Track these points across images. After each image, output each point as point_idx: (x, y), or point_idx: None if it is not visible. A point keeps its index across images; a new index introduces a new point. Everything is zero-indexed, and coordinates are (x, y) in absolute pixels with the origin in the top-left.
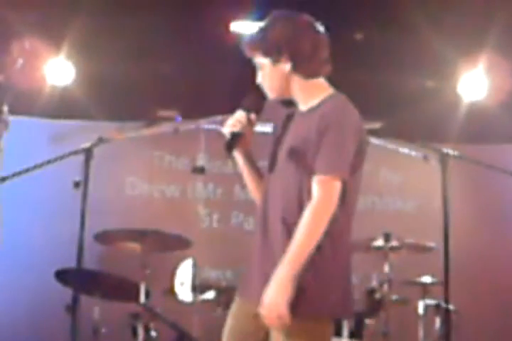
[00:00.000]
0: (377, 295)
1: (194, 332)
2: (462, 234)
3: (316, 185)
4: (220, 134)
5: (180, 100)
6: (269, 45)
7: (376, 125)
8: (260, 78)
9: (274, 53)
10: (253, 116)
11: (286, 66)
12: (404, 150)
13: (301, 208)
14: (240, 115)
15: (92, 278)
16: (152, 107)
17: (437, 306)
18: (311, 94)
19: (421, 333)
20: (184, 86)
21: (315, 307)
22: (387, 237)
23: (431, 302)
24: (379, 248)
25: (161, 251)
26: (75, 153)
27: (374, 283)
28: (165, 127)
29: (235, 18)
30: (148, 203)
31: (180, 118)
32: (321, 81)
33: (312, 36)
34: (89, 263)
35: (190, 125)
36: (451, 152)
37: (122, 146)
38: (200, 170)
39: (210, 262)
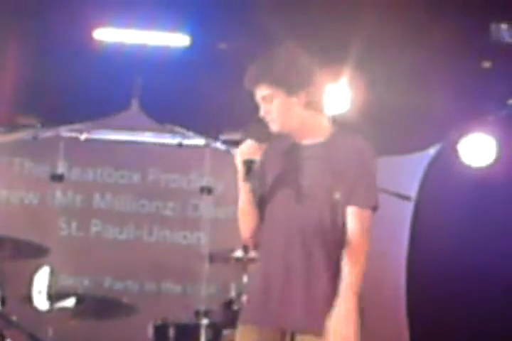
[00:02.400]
0: (235, 306)
1: (49, 340)
2: None
3: (355, 216)
4: (80, 142)
5: (40, 107)
6: (292, 77)
7: (238, 135)
8: (265, 111)
9: (294, 86)
10: (262, 146)
11: (303, 99)
12: None
13: (338, 237)
14: (251, 143)
15: None
16: (11, 113)
17: None
18: (318, 128)
19: None
20: (45, 92)
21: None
22: (246, 248)
23: None
24: (238, 259)
25: (18, 259)
26: None
27: (232, 294)
28: (24, 134)
29: (98, 25)
30: (6, 210)
31: (39, 125)
32: (324, 117)
33: (323, 72)
34: None
35: (50, 132)
36: None
37: None
38: (59, 178)
39: (69, 270)
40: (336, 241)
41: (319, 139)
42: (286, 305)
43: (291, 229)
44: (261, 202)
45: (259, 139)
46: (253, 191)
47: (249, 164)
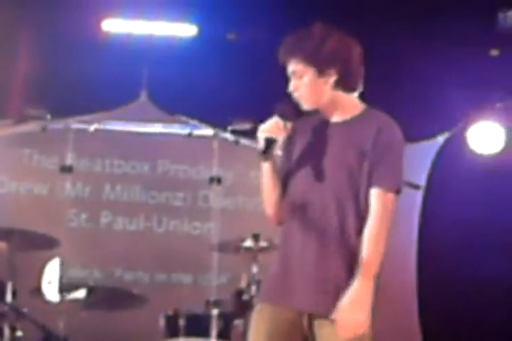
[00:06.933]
0: (246, 296)
1: (61, 332)
2: None
3: (377, 198)
4: (89, 133)
5: (49, 98)
6: (323, 55)
7: (247, 125)
8: (294, 87)
9: (324, 64)
10: (288, 124)
11: (332, 78)
12: None
13: (359, 218)
14: (276, 121)
15: None
16: (20, 105)
17: None
18: (348, 106)
19: None
20: (53, 84)
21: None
22: (256, 238)
23: None
24: (248, 248)
25: (28, 251)
26: None
27: (242, 284)
28: (33, 125)
29: (106, 16)
30: (16, 202)
31: (48, 117)
32: (355, 95)
33: (359, 51)
34: None
35: (59, 124)
36: None
37: None
38: (68, 169)
39: (79, 262)
40: (355, 221)
41: (347, 117)
42: (301, 285)
43: (309, 208)
44: (285, 178)
45: (285, 117)
46: (274, 168)
47: (269, 142)
